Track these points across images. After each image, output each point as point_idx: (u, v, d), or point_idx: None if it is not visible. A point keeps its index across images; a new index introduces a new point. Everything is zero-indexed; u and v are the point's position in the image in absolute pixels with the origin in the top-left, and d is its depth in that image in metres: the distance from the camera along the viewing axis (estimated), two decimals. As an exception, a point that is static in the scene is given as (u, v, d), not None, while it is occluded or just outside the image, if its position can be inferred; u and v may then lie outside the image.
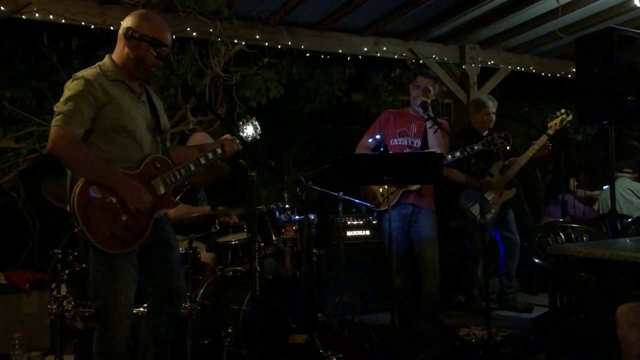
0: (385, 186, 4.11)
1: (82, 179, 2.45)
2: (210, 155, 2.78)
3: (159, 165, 2.65)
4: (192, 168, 2.73)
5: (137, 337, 2.84)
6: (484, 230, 4.36)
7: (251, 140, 2.93)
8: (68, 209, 2.49)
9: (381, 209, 4.17)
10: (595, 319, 2.76)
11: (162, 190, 2.63)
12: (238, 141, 2.81)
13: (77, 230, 2.47)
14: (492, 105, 4.89)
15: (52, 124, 2.48)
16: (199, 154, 2.78)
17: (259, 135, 2.99)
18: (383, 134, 4.26)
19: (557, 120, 4.48)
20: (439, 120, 4.03)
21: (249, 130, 2.95)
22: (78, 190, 2.43)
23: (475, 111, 4.95)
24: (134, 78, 2.68)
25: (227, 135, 2.88)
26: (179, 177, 2.68)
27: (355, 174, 3.76)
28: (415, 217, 4.10)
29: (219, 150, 2.81)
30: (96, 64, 2.65)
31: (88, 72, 2.58)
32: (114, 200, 2.49)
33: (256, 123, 2.99)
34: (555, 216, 5.95)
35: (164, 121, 2.84)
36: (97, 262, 2.51)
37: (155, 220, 2.64)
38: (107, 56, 2.69)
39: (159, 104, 2.85)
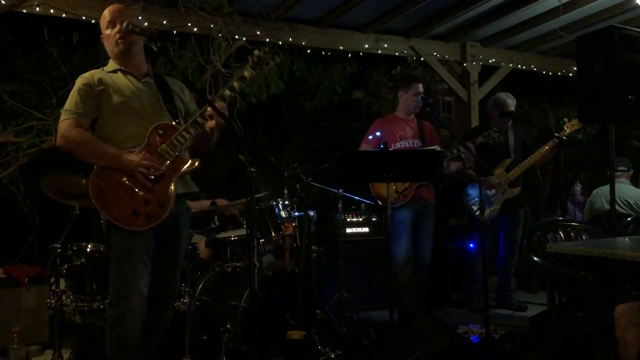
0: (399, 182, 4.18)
1: (94, 169, 2.57)
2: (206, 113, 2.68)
3: (161, 132, 2.67)
4: (200, 120, 2.66)
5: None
6: (484, 227, 4.37)
7: (257, 72, 2.75)
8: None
9: (396, 205, 4.15)
10: (594, 318, 2.76)
11: (172, 155, 2.64)
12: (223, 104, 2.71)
13: (102, 220, 2.58)
14: (510, 103, 4.84)
15: (60, 119, 2.64)
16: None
17: (272, 59, 2.74)
18: (382, 132, 4.29)
19: (574, 122, 4.45)
20: (423, 122, 4.28)
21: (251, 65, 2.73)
22: (90, 181, 2.55)
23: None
24: (125, 63, 2.74)
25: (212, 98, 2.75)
26: (187, 136, 2.67)
27: (355, 171, 3.76)
28: (423, 210, 4.24)
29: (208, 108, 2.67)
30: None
31: (88, 72, 2.75)
32: (125, 179, 2.55)
33: (257, 53, 2.74)
34: None
35: (180, 103, 2.85)
36: (117, 245, 2.56)
37: (172, 211, 2.62)
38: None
39: (177, 87, 2.91)
